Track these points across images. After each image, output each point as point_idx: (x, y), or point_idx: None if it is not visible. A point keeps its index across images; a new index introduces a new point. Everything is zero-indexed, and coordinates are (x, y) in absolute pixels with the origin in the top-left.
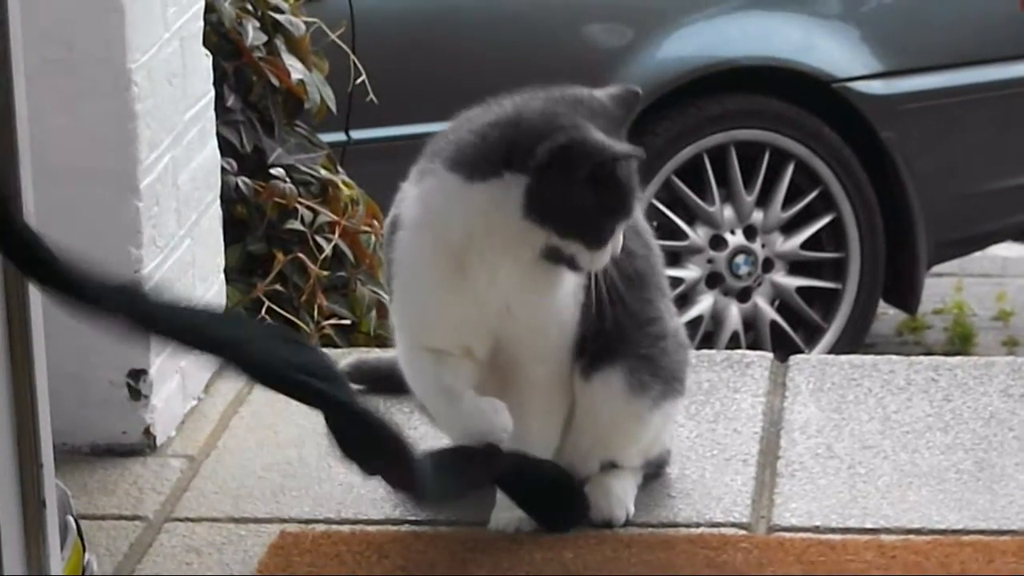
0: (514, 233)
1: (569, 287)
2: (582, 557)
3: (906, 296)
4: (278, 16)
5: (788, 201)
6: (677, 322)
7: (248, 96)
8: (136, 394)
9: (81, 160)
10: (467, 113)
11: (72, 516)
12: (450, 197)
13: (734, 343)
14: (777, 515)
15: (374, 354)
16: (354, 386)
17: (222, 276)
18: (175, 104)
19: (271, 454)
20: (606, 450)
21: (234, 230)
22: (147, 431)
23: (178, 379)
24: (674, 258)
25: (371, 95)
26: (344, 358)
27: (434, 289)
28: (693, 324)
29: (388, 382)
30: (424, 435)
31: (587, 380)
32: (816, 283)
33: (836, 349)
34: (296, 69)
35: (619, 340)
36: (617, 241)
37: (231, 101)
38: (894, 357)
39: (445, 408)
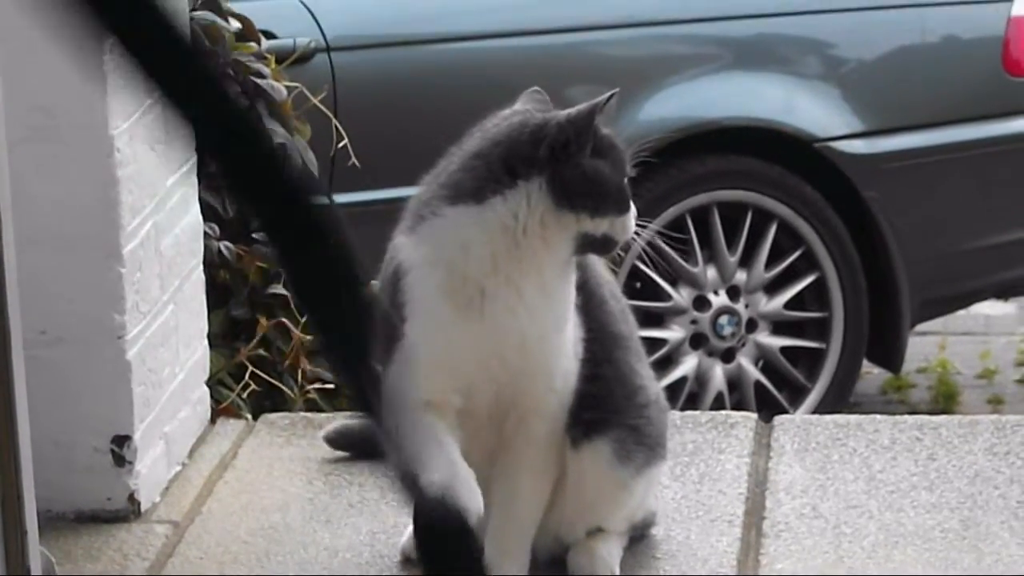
0: (550, 231)
1: (572, 329)
2: None
3: (890, 355)
4: (259, 81)
5: (771, 261)
6: (656, 385)
7: None
8: (120, 460)
9: (64, 226)
10: (434, 170)
11: (44, 550)
12: (463, 226)
13: (718, 404)
14: (763, 575)
15: (358, 420)
16: (339, 452)
17: (205, 341)
18: (158, 170)
19: (256, 519)
20: (592, 517)
21: (217, 295)
22: (131, 497)
23: (162, 445)
24: (657, 319)
25: (353, 159)
26: (328, 423)
27: (453, 324)
28: (677, 385)
29: (371, 447)
30: (400, 506)
31: (576, 450)
32: (800, 343)
33: (820, 409)
34: (278, 134)
35: (608, 410)
36: (633, 205)
37: (213, 166)
38: (878, 416)
39: (432, 458)
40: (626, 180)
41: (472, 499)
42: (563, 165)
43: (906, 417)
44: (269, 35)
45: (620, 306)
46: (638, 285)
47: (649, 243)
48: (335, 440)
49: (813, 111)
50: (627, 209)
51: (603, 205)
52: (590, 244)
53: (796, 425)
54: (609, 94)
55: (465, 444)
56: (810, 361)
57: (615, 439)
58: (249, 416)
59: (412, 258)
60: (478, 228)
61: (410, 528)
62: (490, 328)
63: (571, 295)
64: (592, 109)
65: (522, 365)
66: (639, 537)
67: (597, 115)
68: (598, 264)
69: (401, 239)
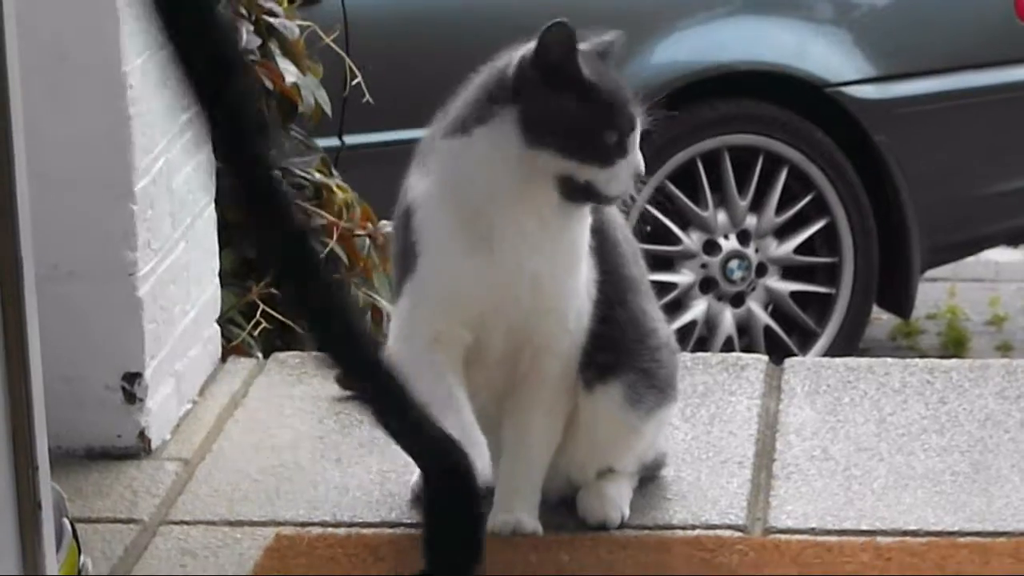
0: (527, 168)
1: (586, 270)
2: (577, 559)
3: (900, 300)
4: (272, 20)
5: (781, 206)
6: (667, 328)
7: None
8: (131, 397)
9: (76, 163)
10: (444, 108)
11: (67, 519)
12: (458, 157)
13: (728, 348)
14: (773, 517)
15: None
16: (345, 391)
17: (217, 279)
18: (170, 107)
19: (266, 457)
20: (602, 458)
21: (228, 233)
22: (142, 434)
23: (173, 382)
24: (667, 263)
25: (367, 96)
26: None
27: (463, 257)
28: (687, 329)
29: None
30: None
31: (590, 392)
32: (810, 288)
33: (830, 354)
34: (290, 73)
35: (620, 352)
36: (634, 162)
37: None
38: (889, 360)
39: (439, 412)
40: (614, 130)
41: (483, 466)
42: (528, 99)
43: (917, 360)
44: None
45: (632, 248)
46: (648, 229)
47: (660, 187)
48: (343, 380)
49: (824, 55)
50: (613, 160)
51: (570, 147)
52: (577, 191)
53: (807, 367)
54: (605, 38)
55: (474, 383)
56: (820, 306)
57: (627, 382)
58: (260, 354)
59: (420, 194)
60: (467, 159)
61: None
62: (499, 262)
63: (582, 236)
64: (566, 45)
65: (534, 303)
66: (649, 478)
67: (575, 53)
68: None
69: (411, 177)
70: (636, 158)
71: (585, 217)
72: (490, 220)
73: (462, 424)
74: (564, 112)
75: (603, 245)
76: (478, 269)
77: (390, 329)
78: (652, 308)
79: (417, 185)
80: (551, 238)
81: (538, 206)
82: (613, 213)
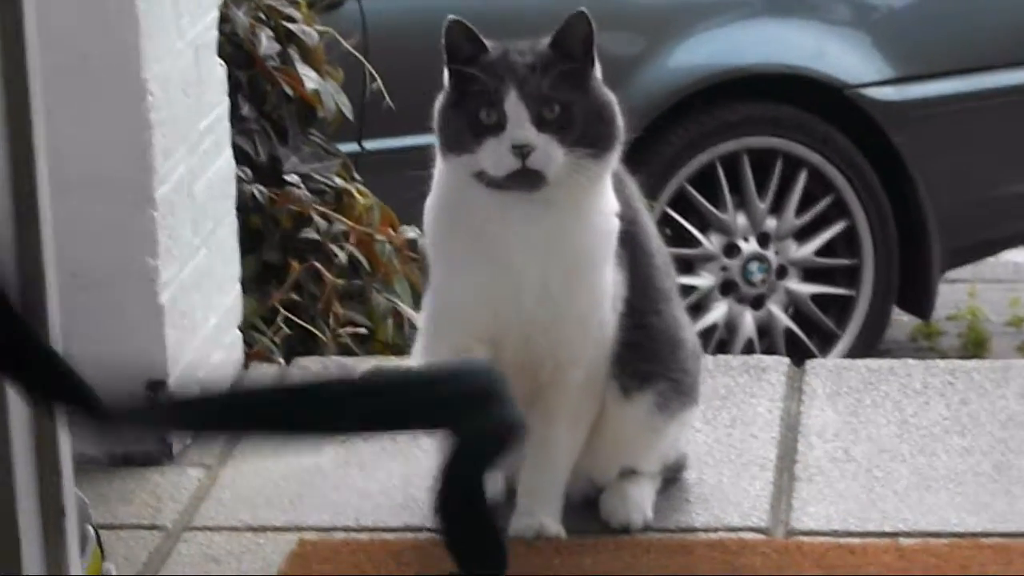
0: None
1: (608, 283)
2: (601, 562)
3: (920, 302)
4: (291, 26)
5: (801, 208)
6: (693, 332)
7: (262, 105)
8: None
9: (97, 170)
10: None
11: (91, 525)
12: (444, 173)
13: (748, 351)
14: (795, 519)
15: (391, 362)
16: None
17: (238, 285)
18: (190, 114)
19: (288, 462)
20: (626, 459)
21: (249, 240)
22: (164, 441)
23: (196, 389)
24: (687, 266)
25: (387, 100)
26: (361, 367)
27: (469, 271)
28: (707, 332)
29: None
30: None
31: (627, 398)
32: (830, 290)
33: (850, 356)
34: (310, 78)
35: (655, 361)
36: (507, 137)
37: (245, 110)
38: (910, 361)
39: None
40: (475, 113)
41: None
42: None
43: (938, 361)
44: None
45: (664, 257)
46: (668, 231)
47: (679, 189)
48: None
49: (843, 58)
50: (479, 142)
51: (447, 143)
52: (490, 183)
53: (828, 369)
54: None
55: None
56: (840, 308)
57: (659, 390)
58: (282, 360)
59: (427, 208)
60: (450, 176)
61: None
62: (504, 274)
63: (597, 243)
64: (455, 43)
65: (546, 314)
66: (671, 480)
67: (457, 50)
68: (646, 215)
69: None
70: (510, 132)
71: (597, 224)
72: (491, 232)
73: None
74: (439, 109)
75: (637, 255)
76: (484, 282)
77: (415, 344)
78: (682, 315)
79: (428, 200)
80: (556, 246)
81: (526, 213)
82: (646, 221)
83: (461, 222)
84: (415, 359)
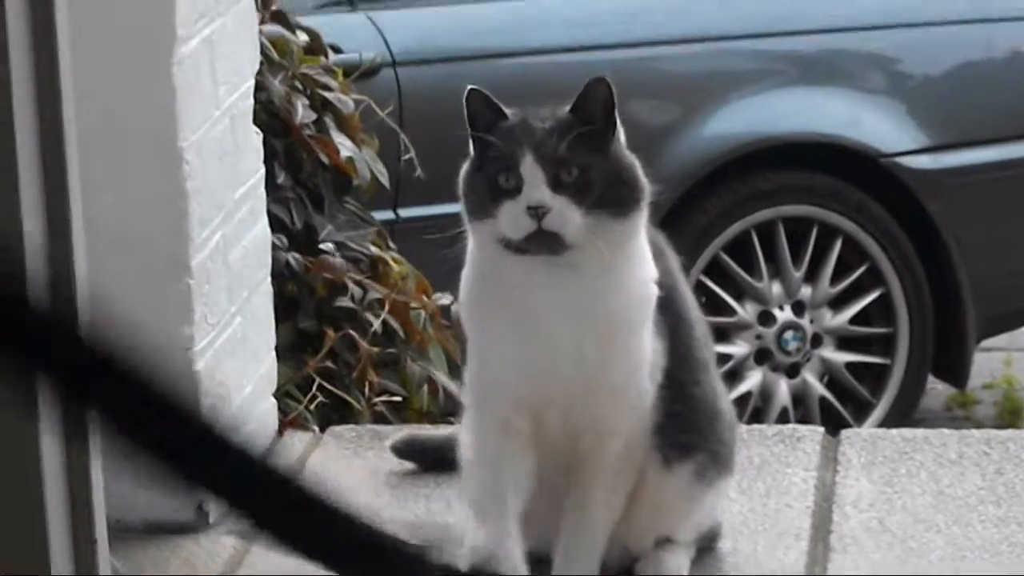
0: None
1: (646, 351)
2: None
3: (955, 370)
4: (327, 94)
5: (836, 276)
6: (730, 402)
7: (298, 174)
8: None
9: (133, 237)
10: None
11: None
12: (477, 242)
13: (783, 419)
14: None
15: (426, 431)
16: (406, 463)
17: (273, 353)
18: (226, 182)
19: None
20: (662, 527)
21: (284, 308)
22: (200, 508)
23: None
24: (722, 334)
25: (419, 171)
26: (396, 435)
27: (504, 343)
28: (742, 400)
29: (439, 459)
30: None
31: (668, 468)
32: (865, 358)
33: (885, 424)
34: (345, 147)
35: (696, 432)
36: (523, 199)
37: (281, 178)
38: (945, 431)
39: (486, 513)
40: (494, 177)
41: (512, 561)
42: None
43: (973, 431)
44: (336, 49)
45: (704, 328)
46: (703, 299)
47: (714, 258)
48: (402, 450)
49: (878, 126)
50: (497, 206)
51: (469, 209)
52: (511, 248)
53: (863, 439)
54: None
55: (538, 462)
56: (875, 377)
57: (698, 461)
58: (316, 428)
59: (463, 278)
60: (481, 244)
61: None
62: (540, 344)
63: (632, 310)
64: (474, 112)
65: (585, 382)
66: (706, 549)
67: (476, 119)
68: (685, 284)
69: None
70: (525, 194)
71: (631, 289)
72: (521, 300)
73: (502, 523)
74: (465, 177)
75: (677, 325)
76: (519, 352)
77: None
78: (720, 385)
79: (463, 271)
80: (588, 311)
81: (553, 277)
82: (685, 290)
83: (493, 291)
84: (464, 433)
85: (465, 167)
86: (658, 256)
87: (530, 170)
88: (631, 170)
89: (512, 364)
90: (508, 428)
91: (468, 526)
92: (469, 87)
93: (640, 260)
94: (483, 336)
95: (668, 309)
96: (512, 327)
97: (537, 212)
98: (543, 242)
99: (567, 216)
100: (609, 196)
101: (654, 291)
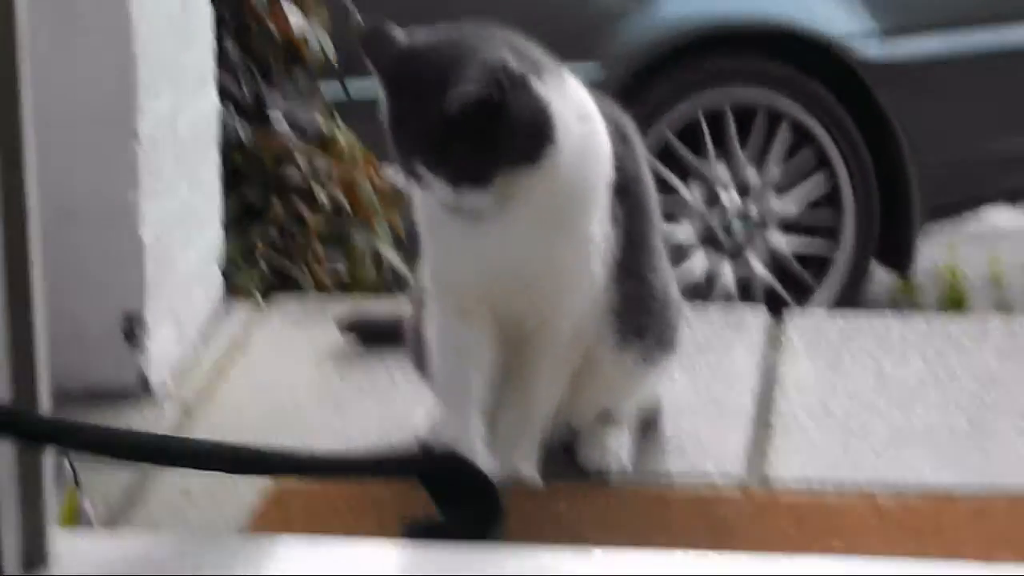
0: None
1: (596, 238)
2: (575, 509)
3: (900, 257)
4: None
5: (784, 162)
6: (675, 285)
7: (248, 44)
8: (132, 338)
9: (80, 104)
10: None
11: (67, 459)
12: None
13: (727, 302)
14: (771, 470)
15: (370, 306)
16: (347, 336)
17: (219, 224)
18: (175, 48)
19: (266, 401)
20: (605, 404)
21: (231, 178)
22: (142, 376)
23: (173, 325)
24: (668, 216)
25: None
26: (339, 307)
27: (451, 241)
28: (685, 281)
29: (382, 335)
30: (410, 392)
31: (620, 351)
32: (810, 244)
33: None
34: (295, 16)
35: (649, 314)
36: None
37: (230, 49)
38: (889, 315)
39: (449, 401)
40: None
41: (474, 454)
42: None
43: (916, 317)
44: None
45: (659, 215)
46: None
47: (662, 139)
48: (346, 324)
49: (830, 13)
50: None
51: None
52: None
53: (806, 322)
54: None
55: (499, 347)
56: (819, 263)
57: (648, 343)
58: (260, 299)
59: None
60: None
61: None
62: (487, 243)
63: (568, 210)
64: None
65: (534, 278)
66: (647, 427)
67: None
68: (647, 173)
69: None
70: (432, 189)
71: (575, 183)
72: (466, 224)
73: (465, 410)
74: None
75: (635, 213)
76: (469, 257)
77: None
78: (670, 271)
79: None
80: (535, 222)
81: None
82: (645, 178)
83: (436, 209)
84: (429, 323)
85: (382, 116)
86: (622, 141)
87: (427, 174)
88: (531, 120)
89: (462, 264)
90: (466, 315)
91: (437, 411)
92: (364, 26)
93: (580, 160)
94: (432, 237)
95: (627, 195)
96: (459, 236)
97: (448, 203)
98: (467, 213)
99: (477, 199)
100: (515, 156)
101: (602, 178)
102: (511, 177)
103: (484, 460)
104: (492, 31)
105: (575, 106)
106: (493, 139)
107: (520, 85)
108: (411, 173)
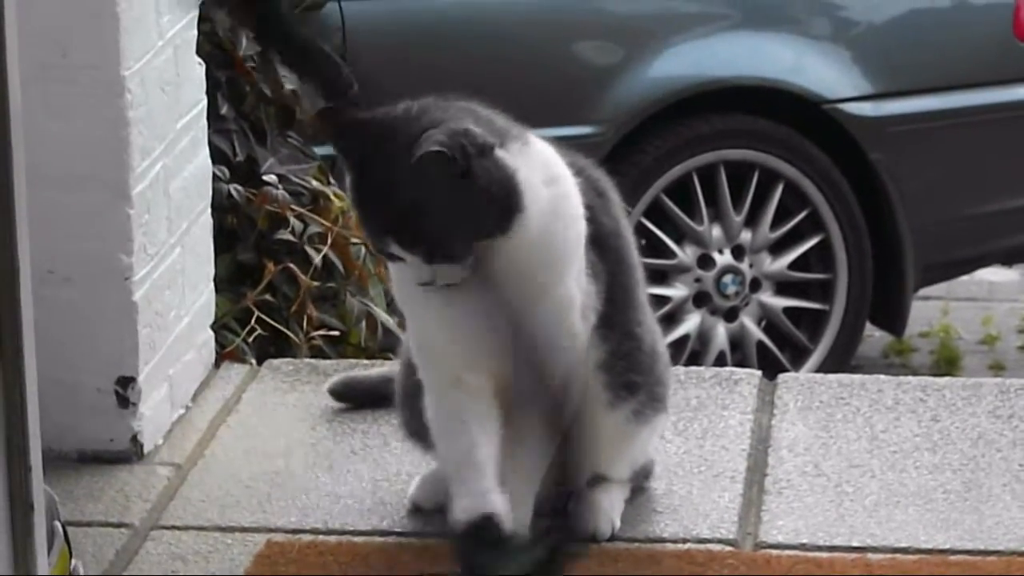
0: None
1: (572, 295)
2: (568, 570)
3: (893, 318)
4: None
5: (776, 221)
6: (663, 340)
7: (241, 106)
8: (124, 401)
9: (73, 166)
10: None
11: (59, 521)
12: None
13: (720, 363)
14: (764, 532)
15: (362, 370)
16: (340, 404)
17: (212, 285)
18: (168, 112)
19: (258, 463)
20: (598, 465)
21: (224, 240)
22: (134, 439)
23: (166, 387)
24: (661, 276)
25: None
26: (333, 370)
27: (429, 316)
28: (680, 343)
29: (376, 398)
30: (403, 454)
31: (612, 409)
32: (803, 304)
33: (822, 370)
34: (289, 79)
35: (639, 370)
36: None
37: (224, 110)
38: (882, 377)
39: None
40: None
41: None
42: None
43: (910, 378)
44: None
45: (641, 269)
46: (643, 241)
47: (655, 200)
48: (340, 393)
49: (822, 72)
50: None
51: None
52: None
53: (800, 383)
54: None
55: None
56: (813, 322)
57: (639, 400)
58: (253, 361)
59: None
60: None
61: (418, 478)
62: (463, 320)
63: (542, 272)
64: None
65: (515, 339)
66: (639, 488)
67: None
68: (627, 227)
69: None
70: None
71: (548, 253)
72: (441, 297)
73: (481, 481)
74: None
75: (618, 269)
76: (449, 329)
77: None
78: (657, 326)
79: None
80: (509, 289)
81: (466, 285)
82: (626, 232)
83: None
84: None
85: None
86: (600, 196)
87: (401, 252)
88: (498, 188)
89: (444, 333)
90: (460, 384)
91: (452, 492)
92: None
93: (551, 224)
94: (411, 311)
95: (608, 250)
96: (437, 306)
97: (423, 279)
98: (443, 285)
99: (451, 272)
100: (486, 227)
101: (575, 237)
102: (486, 246)
103: (511, 520)
104: (454, 103)
105: (542, 170)
106: (463, 211)
107: (486, 153)
108: (383, 252)
